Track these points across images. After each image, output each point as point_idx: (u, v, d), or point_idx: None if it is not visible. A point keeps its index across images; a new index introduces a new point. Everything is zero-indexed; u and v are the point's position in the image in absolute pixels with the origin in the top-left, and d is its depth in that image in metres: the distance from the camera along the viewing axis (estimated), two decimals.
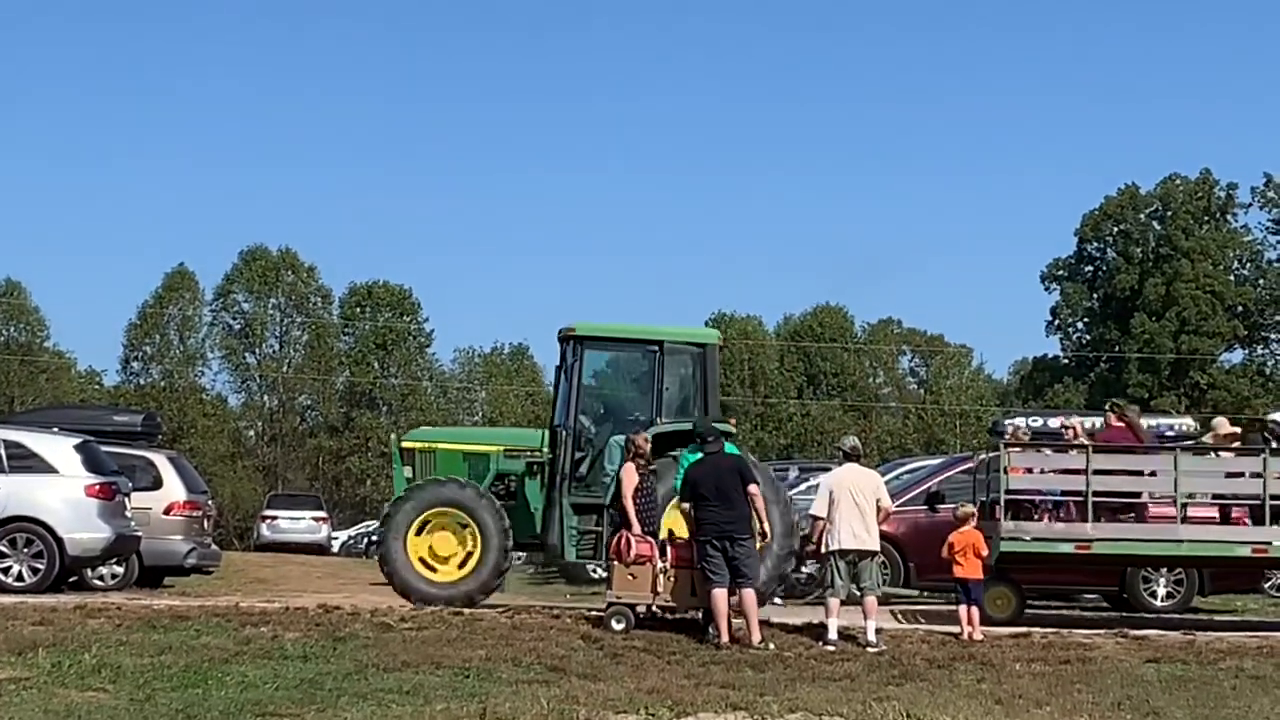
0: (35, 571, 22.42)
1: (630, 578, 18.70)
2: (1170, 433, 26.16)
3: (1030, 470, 21.17)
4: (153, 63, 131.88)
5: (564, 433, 21.17)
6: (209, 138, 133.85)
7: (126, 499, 23.90)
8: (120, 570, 25.47)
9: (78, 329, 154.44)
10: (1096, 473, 20.45)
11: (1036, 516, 21.14)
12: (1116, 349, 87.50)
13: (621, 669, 16.17)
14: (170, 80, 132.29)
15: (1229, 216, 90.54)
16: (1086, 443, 21.59)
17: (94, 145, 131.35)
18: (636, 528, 18.87)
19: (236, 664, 15.63)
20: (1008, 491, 20.48)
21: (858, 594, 18.64)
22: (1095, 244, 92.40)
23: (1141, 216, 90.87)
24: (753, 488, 18.55)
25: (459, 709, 13.25)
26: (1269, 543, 20.52)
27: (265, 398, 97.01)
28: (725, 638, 17.89)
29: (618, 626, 18.36)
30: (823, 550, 18.80)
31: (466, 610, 19.55)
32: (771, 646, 17.78)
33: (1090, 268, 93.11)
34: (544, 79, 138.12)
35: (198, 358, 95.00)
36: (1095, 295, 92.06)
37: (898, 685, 15.74)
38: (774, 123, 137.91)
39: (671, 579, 18.68)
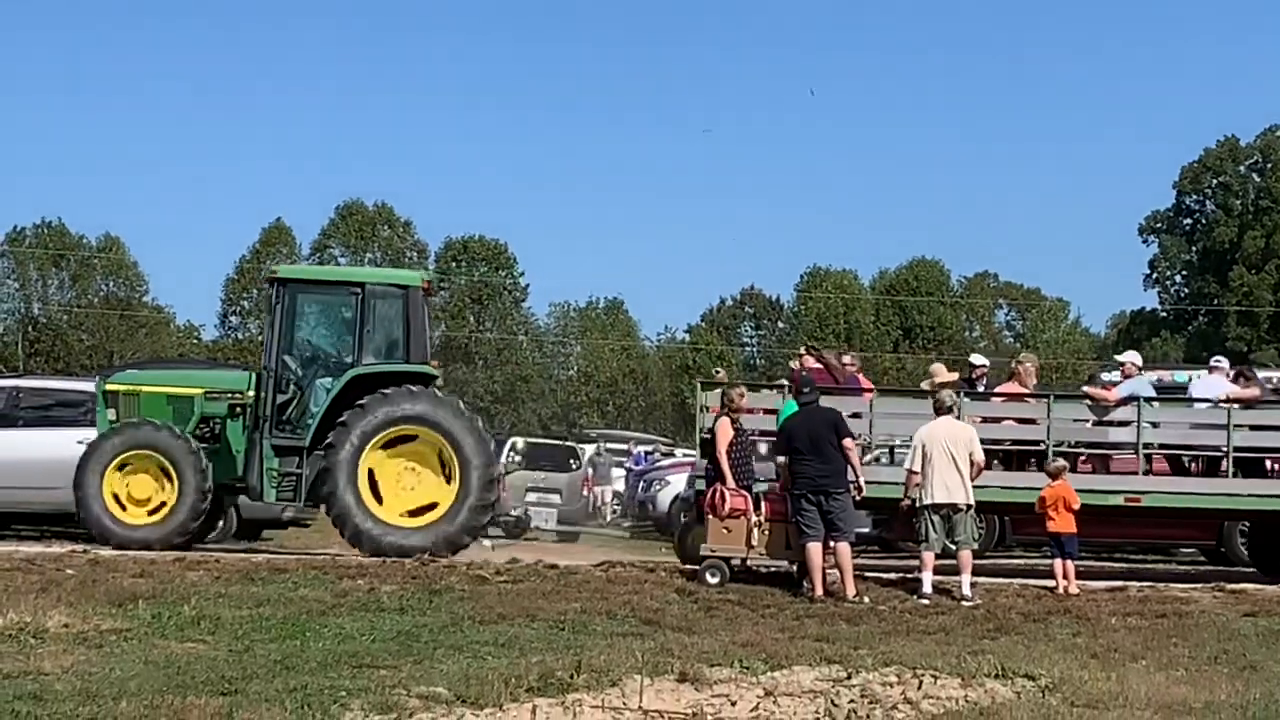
0: None
1: (725, 531, 18.73)
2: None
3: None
4: (248, 19, 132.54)
5: (266, 375, 21.36)
6: (306, 93, 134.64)
7: None
8: (219, 523, 25.69)
9: (176, 284, 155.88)
10: None
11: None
12: (1215, 302, 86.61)
13: (716, 622, 16.19)
14: (265, 35, 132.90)
15: None
16: (784, 383, 21.41)
17: (192, 101, 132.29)
18: (731, 481, 18.90)
19: (334, 616, 15.73)
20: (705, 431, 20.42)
21: (952, 548, 18.63)
22: (1194, 196, 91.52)
23: (1241, 169, 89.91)
24: (847, 441, 18.53)
25: (554, 661, 13.27)
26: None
27: None
28: (819, 591, 17.89)
29: (712, 580, 18.39)
30: (916, 504, 18.75)
31: (561, 564, 19.62)
32: (866, 600, 17.78)
33: (1189, 220, 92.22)
34: (639, 27, 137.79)
35: None
36: (1194, 248, 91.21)
37: (992, 639, 15.67)
38: (870, 72, 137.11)
39: (766, 533, 18.71)
